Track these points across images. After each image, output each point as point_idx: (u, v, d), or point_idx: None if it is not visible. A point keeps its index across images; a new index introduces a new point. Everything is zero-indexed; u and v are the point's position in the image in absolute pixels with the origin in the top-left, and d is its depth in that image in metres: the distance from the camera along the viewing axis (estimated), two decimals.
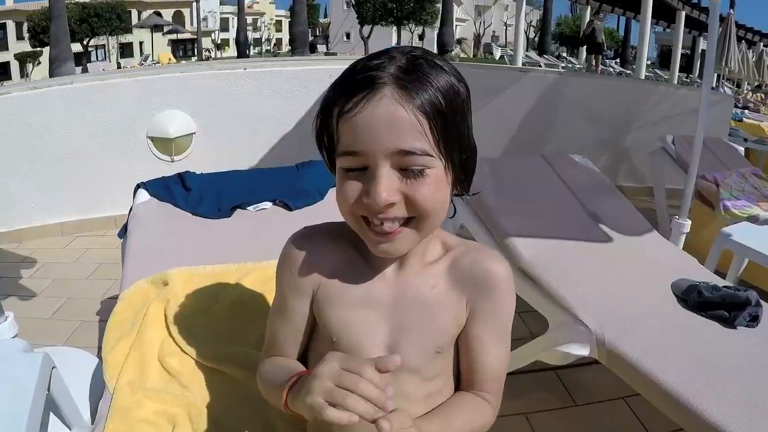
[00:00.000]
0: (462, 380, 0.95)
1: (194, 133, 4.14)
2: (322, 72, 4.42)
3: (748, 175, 4.16)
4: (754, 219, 3.33)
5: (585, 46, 14.20)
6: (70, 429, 1.65)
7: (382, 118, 0.75)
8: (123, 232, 2.04)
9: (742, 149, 5.94)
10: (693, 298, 1.89)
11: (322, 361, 0.73)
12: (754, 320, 1.83)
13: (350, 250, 0.93)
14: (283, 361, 0.97)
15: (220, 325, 1.43)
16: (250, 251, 1.73)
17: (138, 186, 2.09)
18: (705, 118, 3.01)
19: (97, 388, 1.97)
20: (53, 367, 1.53)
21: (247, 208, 2.04)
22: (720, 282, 2.05)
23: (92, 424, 1.69)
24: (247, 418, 1.19)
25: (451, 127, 0.79)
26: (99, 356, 2.24)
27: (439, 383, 0.93)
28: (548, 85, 5.17)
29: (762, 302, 1.92)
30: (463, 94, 0.81)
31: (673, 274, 2.10)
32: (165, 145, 4.05)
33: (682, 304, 1.91)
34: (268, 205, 2.07)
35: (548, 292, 1.86)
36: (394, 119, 0.74)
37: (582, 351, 1.68)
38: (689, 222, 3.12)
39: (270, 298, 1.51)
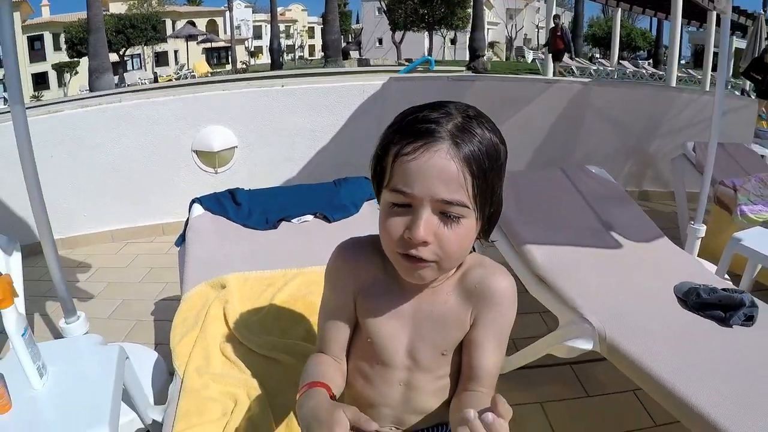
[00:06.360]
0: (462, 375, 1.08)
1: (236, 146, 4.41)
2: (355, 88, 4.66)
3: None
4: None
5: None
6: (137, 409, 1.92)
7: (435, 169, 0.86)
8: (180, 242, 2.31)
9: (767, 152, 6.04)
10: (692, 299, 2.07)
11: (336, 421, 0.87)
12: (749, 320, 2.00)
13: (384, 265, 1.06)
14: (315, 363, 1.11)
15: (271, 322, 1.68)
16: (295, 258, 1.99)
17: (193, 201, 2.37)
18: (717, 126, 3.16)
19: (158, 377, 2.25)
20: (126, 358, 1.79)
21: (292, 220, 2.31)
22: (720, 284, 2.21)
23: (155, 405, 1.96)
24: (295, 402, 1.42)
25: (488, 185, 0.91)
26: (157, 351, 2.52)
27: (446, 379, 1.09)
28: (574, 95, 5.32)
29: (759, 303, 2.10)
30: (502, 156, 0.94)
31: (679, 277, 2.27)
32: (209, 158, 4.33)
33: (682, 305, 2.09)
34: (309, 217, 2.34)
35: (559, 294, 2.07)
36: (445, 172, 0.86)
37: (586, 345, 1.89)
38: (704, 227, 3.28)
39: (313, 299, 1.76)
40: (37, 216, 2.00)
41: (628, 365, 1.78)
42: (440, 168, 0.86)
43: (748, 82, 10.49)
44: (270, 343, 1.60)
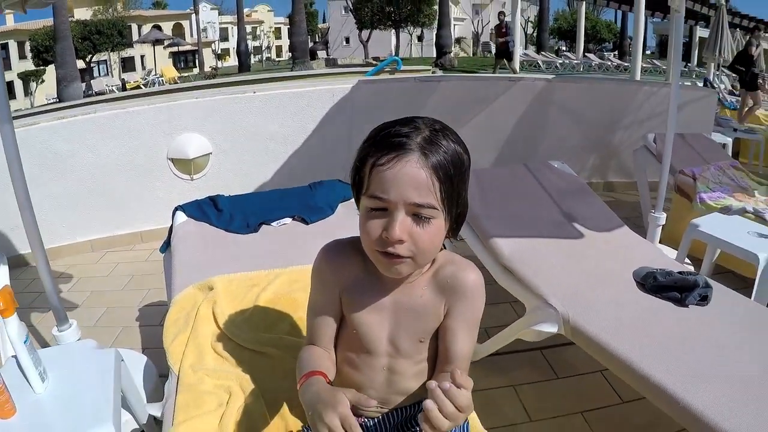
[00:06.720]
0: (439, 359, 1.21)
1: (210, 153, 4.49)
2: (326, 91, 4.79)
3: (726, 168, 4.44)
4: (726, 209, 3.61)
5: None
6: (132, 410, 2.01)
7: (407, 176, 0.98)
8: (165, 248, 2.41)
9: (730, 140, 6.25)
10: (649, 282, 2.23)
11: (338, 401, 1.00)
12: (704, 300, 2.17)
13: (364, 264, 1.17)
14: (310, 353, 1.26)
15: (258, 319, 1.80)
16: (276, 259, 2.11)
17: (176, 209, 2.47)
18: (673, 118, 3.31)
19: (149, 379, 2.35)
20: (122, 360, 1.89)
21: (271, 223, 2.42)
22: (677, 268, 2.37)
23: (146, 403, 2.06)
24: (286, 389, 1.54)
25: (454, 189, 1.03)
26: (145, 354, 2.61)
27: (424, 364, 1.24)
28: (537, 92, 5.49)
29: (713, 283, 2.26)
30: (466, 163, 1.06)
31: (639, 263, 2.43)
32: (184, 165, 4.41)
33: (641, 289, 2.25)
34: (288, 220, 2.46)
35: (525, 282, 2.22)
36: (416, 178, 0.98)
37: (551, 329, 2.04)
38: (664, 215, 3.42)
39: (295, 296, 1.88)
40: (28, 229, 2.08)
41: (591, 345, 1.93)
42: (412, 175, 0.98)
43: (711, 72, 10.77)
44: (258, 338, 1.71)
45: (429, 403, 0.90)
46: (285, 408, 1.48)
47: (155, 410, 1.75)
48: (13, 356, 1.79)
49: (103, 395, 1.65)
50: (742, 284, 2.93)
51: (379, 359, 1.22)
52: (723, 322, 2.06)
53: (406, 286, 1.18)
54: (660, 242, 3.45)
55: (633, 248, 2.63)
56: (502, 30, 14.90)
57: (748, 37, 9.91)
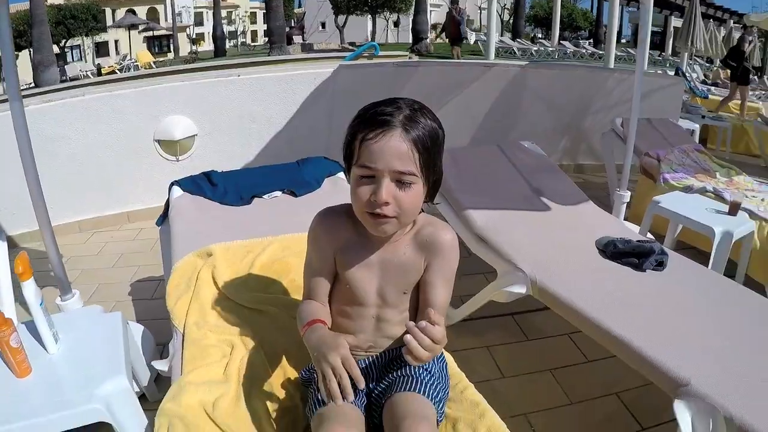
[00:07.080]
0: (419, 308, 1.39)
1: (196, 134, 4.62)
2: (308, 75, 4.94)
3: (690, 151, 4.68)
4: (688, 188, 3.86)
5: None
6: (134, 372, 2.15)
7: (392, 149, 1.16)
8: (161, 221, 2.57)
9: (697, 126, 6.50)
10: (609, 249, 2.44)
11: (339, 344, 1.21)
12: (660, 265, 2.39)
13: (355, 227, 1.35)
14: (309, 306, 1.44)
15: (255, 281, 1.97)
16: (268, 228, 2.28)
17: (172, 183, 2.62)
18: (637, 104, 3.52)
19: (147, 347, 2.50)
20: (127, 323, 2.05)
21: (263, 196, 2.60)
22: (635, 238, 2.58)
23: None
24: (283, 342, 1.71)
25: (431, 159, 1.21)
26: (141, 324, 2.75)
27: (406, 313, 1.41)
28: (511, 77, 5.70)
29: (668, 251, 2.48)
30: (441, 137, 1.24)
31: (601, 234, 2.63)
32: (171, 146, 4.52)
33: (602, 255, 2.47)
34: (278, 193, 2.65)
35: (496, 249, 2.43)
36: (399, 150, 1.16)
37: (521, 290, 2.25)
38: (629, 193, 3.67)
39: (288, 261, 2.06)
40: (35, 204, 2.23)
41: (557, 305, 2.14)
42: (395, 147, 1.16)
43: (684, 61, 11.06)
44: (256, 298, 1.89)
45: (409, 338, 1.09)
46: (283, 359, 1.66)
47: (162, 365, 1.90)
48: (23, 322, 1.93)
49: (113, 352, 1.81)
50: (703, 260, 3.15)
51: (369, 309, 1.40)
52: (677, 285, 2.27)
53: (391, 245, 1.36)
54: (625, 220, 3.66)
55: (596, 221, 2.84)
56: (453, 16, 15.14)
57: (741, 33, 10.19)
